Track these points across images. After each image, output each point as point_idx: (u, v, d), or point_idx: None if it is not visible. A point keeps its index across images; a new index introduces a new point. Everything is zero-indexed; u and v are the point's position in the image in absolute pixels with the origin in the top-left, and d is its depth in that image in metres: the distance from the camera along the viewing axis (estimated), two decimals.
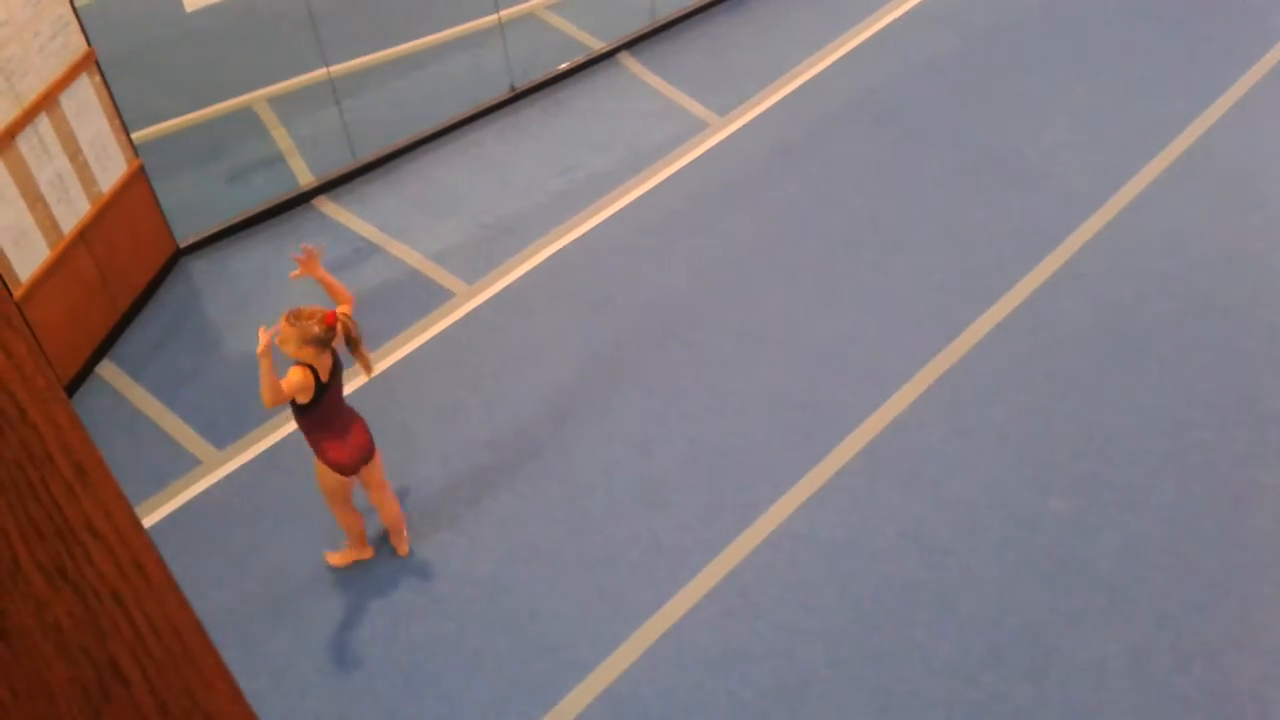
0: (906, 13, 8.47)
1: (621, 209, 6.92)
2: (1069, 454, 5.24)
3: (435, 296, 6.40)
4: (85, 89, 5.91)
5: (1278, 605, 4.58)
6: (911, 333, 5.92)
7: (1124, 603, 4.65)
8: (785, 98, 7.73)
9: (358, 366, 5.29)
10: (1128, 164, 6.86)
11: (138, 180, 6.36)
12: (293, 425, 5.58)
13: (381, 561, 5.07)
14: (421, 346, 6.11)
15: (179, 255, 6.80)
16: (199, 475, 5.55)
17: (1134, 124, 7.17)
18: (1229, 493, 5.02)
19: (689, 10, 8.60)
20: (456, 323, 6.24)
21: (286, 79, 8.06)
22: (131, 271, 6.41)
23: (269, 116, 7.82)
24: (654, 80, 8.00)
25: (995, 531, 4.95)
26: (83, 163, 5.92)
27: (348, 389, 5.63)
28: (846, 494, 5.16)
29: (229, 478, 5.51)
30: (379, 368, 5.98)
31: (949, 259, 6.35)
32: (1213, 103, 7.26)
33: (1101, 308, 5.96)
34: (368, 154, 7.37)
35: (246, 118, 7.84)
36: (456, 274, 6.53)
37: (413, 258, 6.67)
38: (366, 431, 4.65)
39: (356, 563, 5.07)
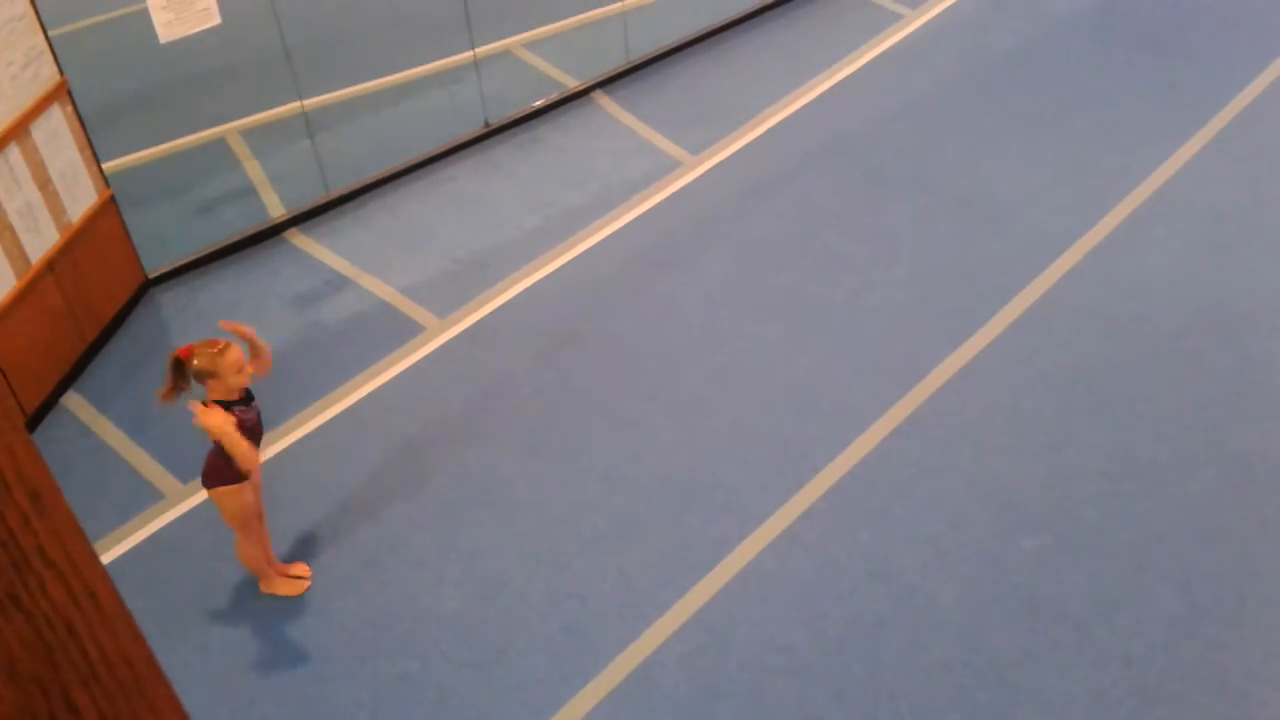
0: (877, 56, 8.60)
1: (594, 245, 6.94)
2: (1037, 493, 5.27)
3: (406, 330, 6.39)
4: (57, 119, 5.89)
5: (1241, 649, 4.61)
6: (881, 372, 5.96)
7: (1091, 643, 4.66)
8: (758, 138, 7.81)
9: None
10: (1096, 207, 6.96)
11: (108, 211, 6.33)
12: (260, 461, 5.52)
13: (346, 599, 5.02)
14: (391, 380, 6.09)
15: (148, 286, 6.75)
16: (162, 509, 5.48)
17: (1102, 167, 7.29)
18: (1195, 533, 5.06)
19: (663, 51, 8.69)
20: (427, 357, 6.22)
21: (260, 111, 8.07)
22: (99, 302, 6.36)
23: (241, 148, 7.81)
24: (628, 119, 8.06)
25: (963, 570, 4.96)
26: (52, 192, 5.88)
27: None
28: (815, 532, 5.16)
29: (193, 512, 5.45)
30: (349, 400, 5.95)
31: (918, 299, 6.40)
32: (1179, 148, 7.39)
33: (1069, 349, 6.02)
34: (340, 187, 7.38)
35: (219, 149, 7.83)
36: (428, 308, 6.52)
37: (384, 291, 6.66)
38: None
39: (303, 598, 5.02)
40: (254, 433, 4.58)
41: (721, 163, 7.61)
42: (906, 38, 8.79)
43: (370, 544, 5.23)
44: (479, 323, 6.43)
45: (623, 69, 8.49)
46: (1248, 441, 5.45)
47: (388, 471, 5.57)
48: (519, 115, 8.03)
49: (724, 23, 9.01)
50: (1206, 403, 5.67)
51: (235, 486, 4.57)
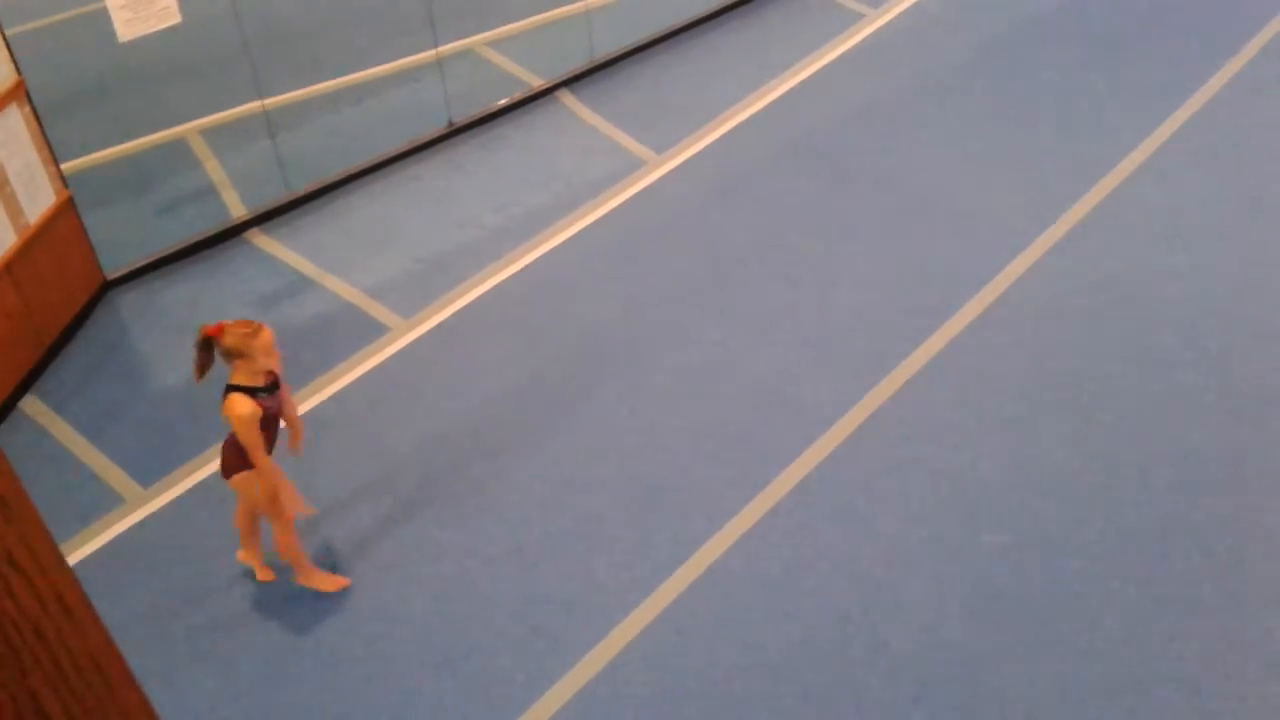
0: (839, 56, 8.65)
1: (558, 245, 6.94)
2: (999, 490, 5.33)
3: (370, 331, 6.35)
4: (14, 119, 5.80)
5: (1200, 639, 4.69)
6: (845, 369, 6.00)
7: (1052, 637, 4.72)
8: (721, 137, 7.84)
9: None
10: (1056, 205, 7.04)
11: (66, 212, 6.25)
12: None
13: (311, 601, 4.98)
14: (355, 381, 6.05)
15: (107, 288, 6.67)
16: (123, 513, 5.42)
17: (1062, 165, 7.38)
18: (1154, 528, 5.14)
19: (627, 50, 8.70)
20: (392, 357, 6.19)
21: (220, 110, 8.00)
22: (58, 304, 6.27)
23: (202, 148, 7.74)
24: (592, 118, 8.07)
25: (926, 566, 5.01)
26: (10, 194, 5.80)
27: None
28: (781, 529, 5.19)
29: (154, 516, 5.39)
30: (313, 402, 5.91)
31: (882, 298, 6.45)
32: (1139, 145, 7.50)
33: (1031, 346, 6.09)
34: (302, 187, 7.32)
35: (179, 149, 7.75)
36: (392, 308, 6.49)
37: (347, 291, 6.62)
38: (228, 436, 4.51)
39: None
40: (273, 423, 4.50)
41: (686, 162, 7.64)
42: (868, 37, 8.86)
43: (336, 545, 5.20)
44: (444, 323, 6.41)
45: (587, 68, 8.49)
46: (1207, 439, 5.54)
47: (354, 473, 5.54)
48: (483, 114, 8.01)
49: (687, 22, 9.03)
50: (1167, 400, 5.76)
51: (254, 471, 4.47)
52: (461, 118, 7.94)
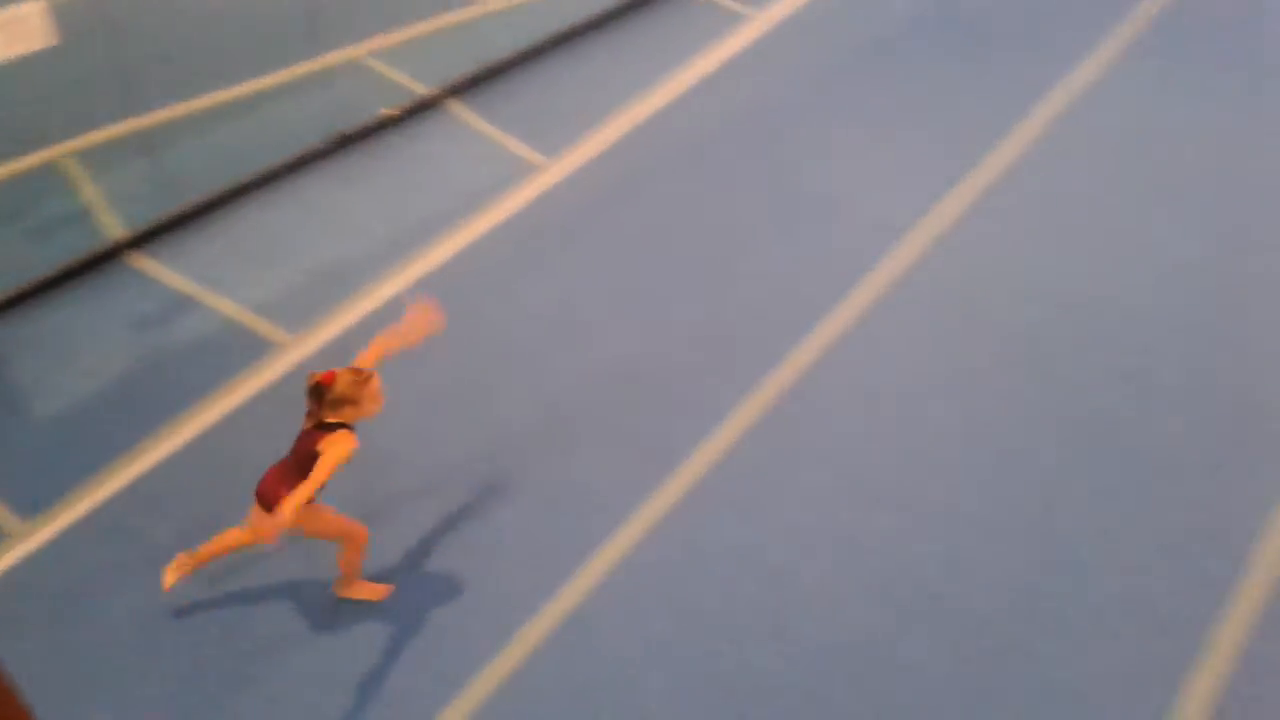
0: (725, 58, 8.73)
1: (452, 254, 6.88)
2: (893, 473, 5.42)
3: (258, 349, 6.21)
4: None
5: (1083, 601, 4.81)
6: (740, 364, 6.04)
7: (946, 609, 4.81)
8: (613, 141, 7.85)
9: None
10: (939, 197, 7.19)
11: None
12: (108, 493, 5.33)
13: (198, 616, 4.84)
14: (245, 403, 5.91)
15: None
16: (4, 549, 5.21)
17: (946, 160, 7.53)
18: (1040, 500, 5.27)
19: (516, 55, 8.67)
20: (283, 376, 6.06)
21: (96, 129, 7.76)
22: None
23: (77, 170, 7.50)
24: (482, 125, 8.02)
25: (825, 552, 5.06)
26: None
27: None
28: (682, 524, 5.19)
29: (40, 550, 5.19)
30: (199, 425, 5.76)
31: (773, 292, 6.51)
32: (1016, 137, 7.68)
33: (918, 333, 6.20)
34: (184, 205, 7.14)
35: (51, 173, 7.50)
36: (281, 325, 6.36)
37: (233, 309, 6.47)
38: (269, 472, 4.50)
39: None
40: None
41: (579, 166, 7.63)
42: (753, 39, 8.95)
43: (222, 565, 5.06)
44: (337, 337, 6.30)
45: (475, 74, 8.44)
46: (1090, 413, 5.70)
47: (244, 495, 5.40)
48: (370, 124, 7.91)
49: (575, 26, 9.03)
50: (1047, 379, 5.91)
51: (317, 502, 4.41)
52: (349, 128, 7.82)
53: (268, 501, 4.43)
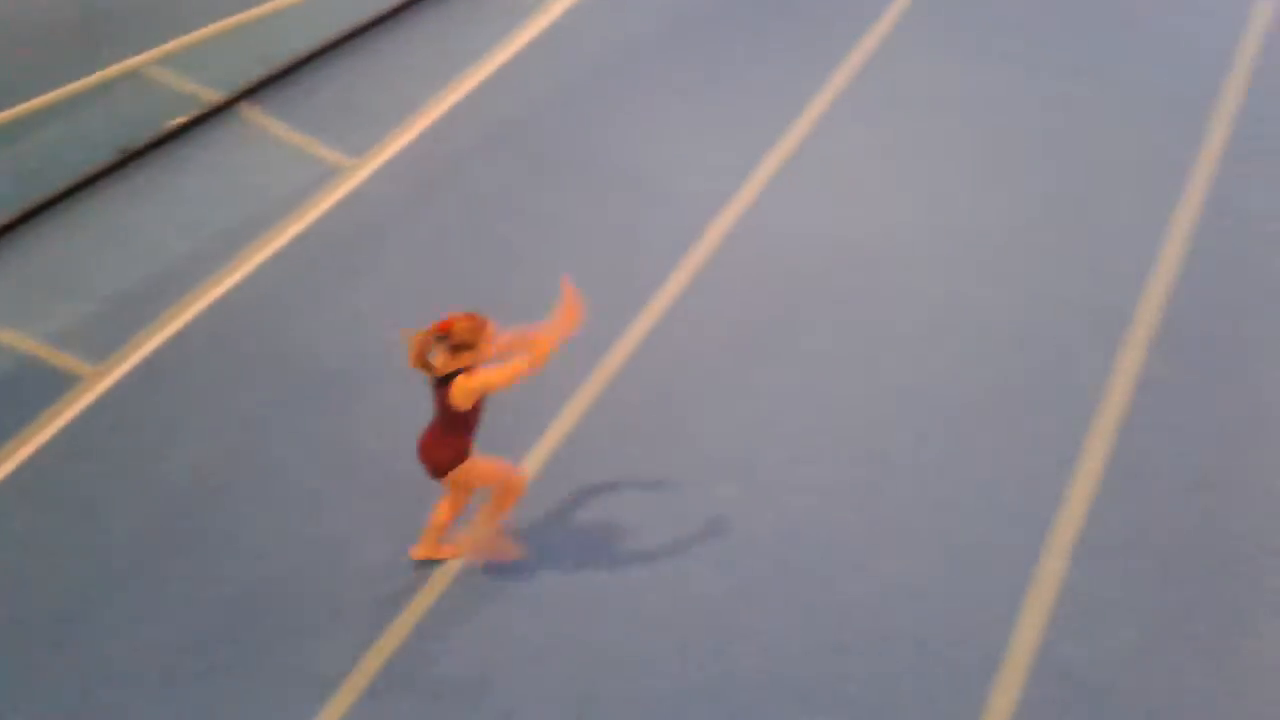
0: (528, 42, 8.64)
1: (259, 264, 6.63)
2: (726, 443, 5.53)
3: (58, 384, 5.85)
4: None
5: (923, 557, 5.04)
6: (566, 352, 6.03)
7: (789, 572, 4.96)
8: (419, 135, 7.70)
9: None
10: (746, 170, 7.30)
11: None
12: None
13: (29, 673, 4.56)
14: (49, 442, 5.56)
15: None
16: None
17: (749, 131, 7.67)
18: (869, 465, 5.47)
19: (310, 53, 8.38)
20: (88, 409, 5.73)
21: None
22: None
23: None
24: (279, 128, 7.73)
25: (666, 527, 5.13)
26: None
27: None
28: (532, 517, 5.16)
29: None
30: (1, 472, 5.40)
31: (593, 277, 6.48)
32: (815, 104, 7.89)
33: (738, 303, 6.34)
34: None
35: None
36: (81, 356, 6.00)
37: (26, 344, 6.07)
38: (424, 438, 4.60)
39: None
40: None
41: (385, 163, 7.46)
42: (554, 21, 8.89)
43: (55, 609, 4.77)
44: (144, 361, 5.99)
45: (267, 76, 8.11)
46: (900, 370, 5.96)
47: (60, 543, 5.10)
48: (159, 137, 7.51)
49: (369, 20, 8.78)
50: (867, 340, 6.14)
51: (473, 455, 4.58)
52: (135, 143, 7.41)
53: (432, 466, 4.58)
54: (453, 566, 4.97)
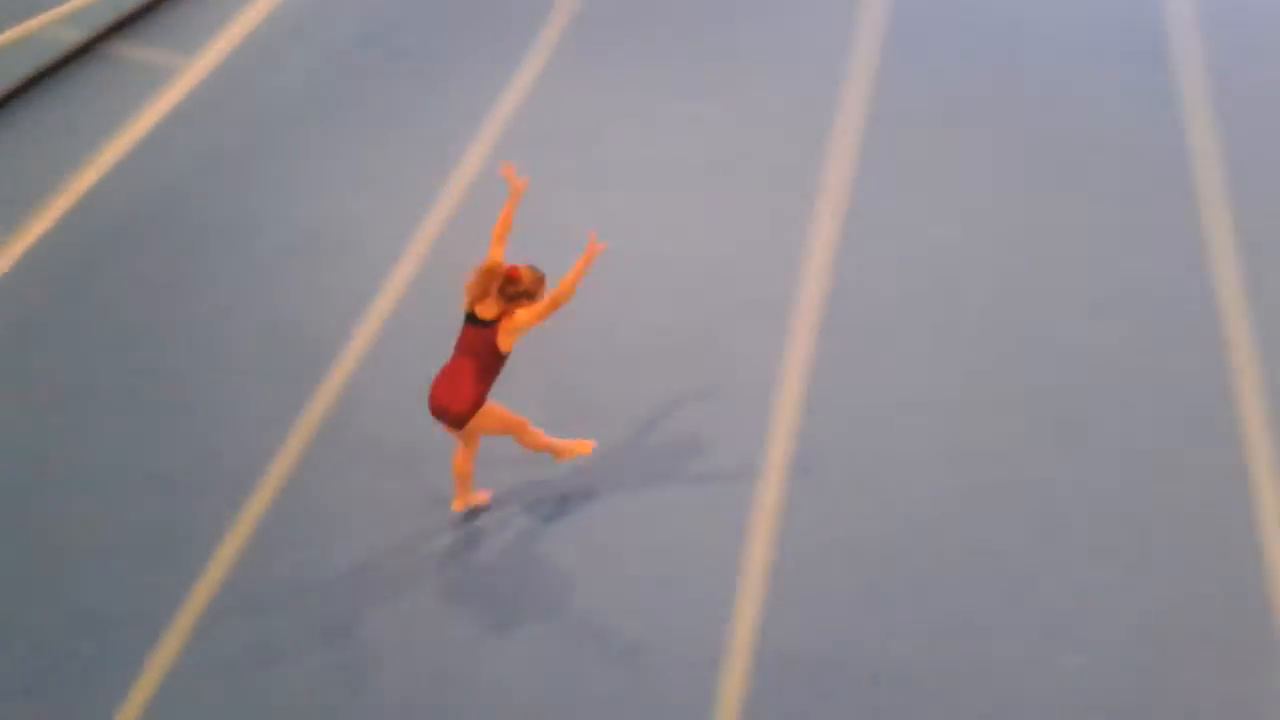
0: (168, 114, 8.07)
1: None
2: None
3: None
4: None
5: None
6: (245, 438, 5.70)
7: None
8: (48, 229, 7.01)
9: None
10: (415, 214, 7.14)
11: None
12: None
13: None
14: None
15: None
16: None
17: (414, 176, 7.49)
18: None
19: None
20: None
21: None
22: None
23: None
24: None
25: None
26: None
27: None
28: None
29: None
30: None
31: (269, 348, 6.21)
32: (477, 139, 7.80)
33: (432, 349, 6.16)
34: None
35: None
36: None
37: None
38: (441, 384, 4.75)
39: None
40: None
41: (18, 258, 6.76)
42: (190, 89, 8.36)
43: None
44: None
45: None
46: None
47: None
48: None
49: None
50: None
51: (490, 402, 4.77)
52: None
53: (452, 412, 4.71)
54: None
